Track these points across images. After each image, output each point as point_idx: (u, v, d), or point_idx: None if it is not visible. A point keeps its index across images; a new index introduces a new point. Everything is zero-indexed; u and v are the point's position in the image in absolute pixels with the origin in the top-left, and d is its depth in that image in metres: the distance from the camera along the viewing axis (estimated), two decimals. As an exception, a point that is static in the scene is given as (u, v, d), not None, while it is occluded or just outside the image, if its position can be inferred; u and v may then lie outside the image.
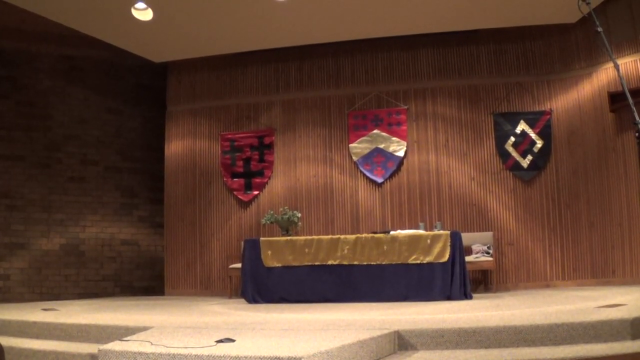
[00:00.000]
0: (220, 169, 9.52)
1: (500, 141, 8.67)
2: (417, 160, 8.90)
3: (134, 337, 3.71)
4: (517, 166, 8.56)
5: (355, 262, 6.95)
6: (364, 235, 7.15)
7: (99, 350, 3.35)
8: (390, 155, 8.94)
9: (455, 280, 6.61)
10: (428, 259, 6.76)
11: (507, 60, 8.89)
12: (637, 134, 3.14)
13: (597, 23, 3.47)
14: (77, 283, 9.29)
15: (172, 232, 9.60)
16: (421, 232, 7.11)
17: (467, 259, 7.27)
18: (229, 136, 9.55)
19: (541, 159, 8.50)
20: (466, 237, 7.56)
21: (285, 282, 7.10)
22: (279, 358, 2.87)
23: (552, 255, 8.32)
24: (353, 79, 9.35)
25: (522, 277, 8.35)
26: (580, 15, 4.45)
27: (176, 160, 9.76)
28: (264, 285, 7.16)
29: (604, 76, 8.20)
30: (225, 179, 9.47)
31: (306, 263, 7.09)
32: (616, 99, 7.82)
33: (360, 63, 9.36)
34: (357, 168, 9.06)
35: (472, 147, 8.79)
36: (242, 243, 7.78)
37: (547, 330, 3.60)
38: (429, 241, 6.81)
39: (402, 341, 3.75)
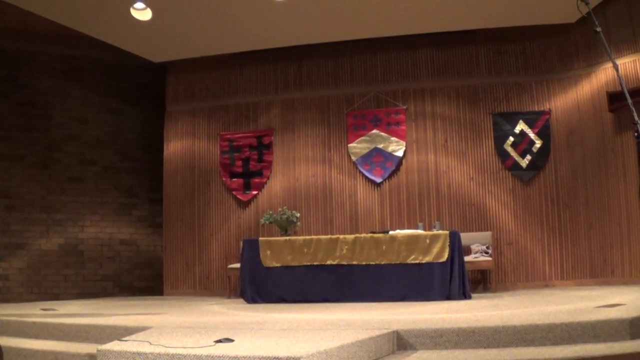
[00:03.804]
0: (219, 169, 9.52)
1: (499, 141, 8.67)
2: (416, 160, 8.90)
3: (133, 337, 3.70)
4: (516, 166, 8.56)
5: (354, 262, 6.95)
6: (362, 235, 7.15)
7: (98, 351, 3.34)
8: (389, 155, 8.94)
9: (454, 280, 6.62)
10: (427, 258, 6.76)
11: (506, 60, 8.89)
12: (636, 133, 3.14)
13: (596, 23, 3.47)
14: (76, 283, 9.29)
15: (171, 232, 9.59)
16: (420, 232, 7.11)
17: (466, 258, 7.27)
18: (228, 136, 9.54)
19: (540, 159, 8.51)
20: (465, 237, 7.56)
21: (284, 282, 7.09)
22: (278, 358, 2.87)
23: (551, 255, 8.32)
24: (352, 78, 9.35)
25: (521, 276, 8.35)
26: (579, 15, 4.45)
27: (175, 160, 9.76)
28: (263, 285, 7.15)
29: (603, 76, 8.20)
30: (224, 179, 9.47)
31: (305, 263, 7.09)
32: (615, 99, 7.82)
33: (359, 63, 9.35)
34: (356, 168, 9.06)
35: (471, 147, 8.79)
36: (241, 243, 7.77)
37: (546, 330, 3.60)
38: (428, 241, 6.81)
39: (401, 341, 3.75)
